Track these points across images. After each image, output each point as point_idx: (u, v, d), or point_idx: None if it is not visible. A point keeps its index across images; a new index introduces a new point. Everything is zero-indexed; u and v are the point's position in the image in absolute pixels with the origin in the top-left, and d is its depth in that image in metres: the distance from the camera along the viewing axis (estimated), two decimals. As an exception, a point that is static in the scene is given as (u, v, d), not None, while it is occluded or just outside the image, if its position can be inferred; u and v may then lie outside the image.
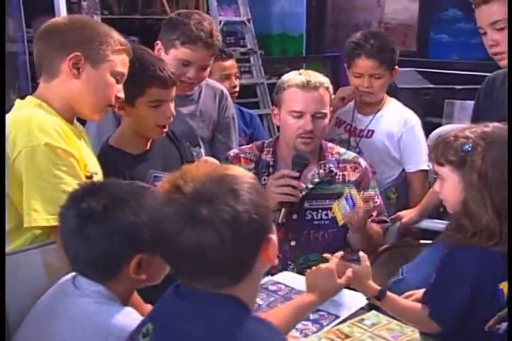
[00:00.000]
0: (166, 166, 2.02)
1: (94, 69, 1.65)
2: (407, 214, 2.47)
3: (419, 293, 1.81)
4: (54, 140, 1.54)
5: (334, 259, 1.60)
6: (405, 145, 2.57)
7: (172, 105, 1.96)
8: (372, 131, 2.58)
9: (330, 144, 2.32)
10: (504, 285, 1.51)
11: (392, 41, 2.59)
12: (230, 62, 2.87)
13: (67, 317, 1.29)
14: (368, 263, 1.63)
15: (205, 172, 1.07)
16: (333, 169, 2.21)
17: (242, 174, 1.10)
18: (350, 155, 2.29)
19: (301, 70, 2.22)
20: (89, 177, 1.62)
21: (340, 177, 2.22)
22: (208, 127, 2.46)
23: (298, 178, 2.10)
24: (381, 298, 1.61)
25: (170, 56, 2.25)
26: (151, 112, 1.91)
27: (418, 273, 1.92)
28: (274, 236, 1.11)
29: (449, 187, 1.58)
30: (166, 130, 1.99)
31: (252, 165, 2.24)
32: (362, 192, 2.04)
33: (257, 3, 5.69)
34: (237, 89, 2.88)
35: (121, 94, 1.72)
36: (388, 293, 1.61)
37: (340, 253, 1.60)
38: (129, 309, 1.32)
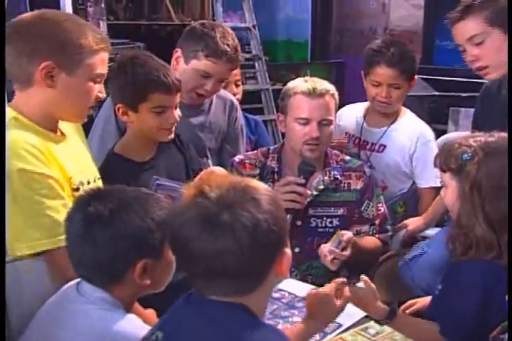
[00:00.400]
0: (171, 174, 2.02)
1: (70, 76, 1.54)
2: (413, 222, 2.45)
3: (421, 301, 1.81)
4: (28, 163, 1.45)
5: (332, 284, 1.55)
6: (418, 160, 2.50)
7: (176, 111, 1.95)
8: (384, 146, 2.52)
9: (335, 151, 2.31)
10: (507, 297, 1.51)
11: (412, 50, 2.52)
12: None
13: (70, 323, 1.29)
14: (371, 285, 1.61)
15: (229, 181, 1.11)
16: (338, 176, 2.21)
17: (263, 187, 1.14)
18: (356, 163, 2.29)
19: (307, 77, 2.21)
20: (77, 190, 1.58)
21: (346, 185, 2.22)
22: (217, 138, 2.44)
23: (304, 185, 2.09)
24: (392, 319, 1.60)
25: (190, 66, 2.24)
26: (154, 118, 1.90)
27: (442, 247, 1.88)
28: (289, 251, 1.13)
29: (449, 193, 1.59)
30: (172, 133, 1.97)
31: (257, 171, 2.24)
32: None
33: (263, 9, 5.69)
34: (238, 96, 2.80)
35: (102, 94, 1.64)
36: (397, 315, 1.60)
37: (339, 280, 1.57)
38: (132, 316, 1.32)
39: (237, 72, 2.82)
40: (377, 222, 2.22)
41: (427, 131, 2.55)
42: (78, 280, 1.37)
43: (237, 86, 2.81)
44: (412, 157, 2.51)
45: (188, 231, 1.06)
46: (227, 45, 2.21)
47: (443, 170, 1.60)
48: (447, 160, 1.57)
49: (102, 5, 4.23)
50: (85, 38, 1.54)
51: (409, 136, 2.51)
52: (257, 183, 1.14)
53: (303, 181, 2.08)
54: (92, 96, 1.61)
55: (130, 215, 1.29)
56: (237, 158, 2.29)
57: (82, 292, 1.33)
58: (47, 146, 1.53)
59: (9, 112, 1.56)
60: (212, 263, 1.05)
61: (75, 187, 1.58)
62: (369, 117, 2.58)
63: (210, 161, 2.40)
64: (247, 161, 2.27)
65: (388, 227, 2.27)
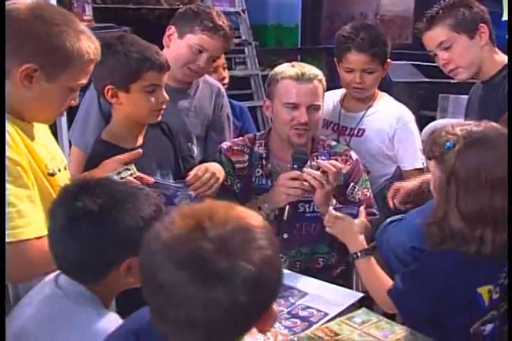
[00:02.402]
0: (160, 161, 2.00)
1: (50, 82, 1.46)
2: None
3: None
4: None
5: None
6: (400, 142, 2.48)
7: (164, 91, 1.93)
8: (363, 130, 2.50)
9: (321, 137, 2.30)
10: (483, 290, 1.50)
11: (383, 33, 2.51)
12: None
13: (45, 317, 1.26)
14: (363, 218, 1.79)
15: (235, 218, 0.96)
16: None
17: (265, 228, 0.99)
18: (342, 148, 2.28)
19: (294, 62, 2.20)
20: (52, 175, 1.52)
21: None
22: (202, 124, 2.40)
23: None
24: (363, 256, 1.69)
25: (184, 41, 2.23)
26: (146, 97, 1.87)
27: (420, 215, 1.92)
28: (275, 308, 1.01)
29: (433, 182, 1.58)
30: (160, 115, 1.95)
31: (246, 158, 2.23)
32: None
33: (253, -7, 5.64)
34: (226, 81, 2.79)
35: (75, 102, 1.56)
36: (371, 257, 1.69)
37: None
38: (108, 312, 1.29)
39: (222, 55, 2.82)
40: (363, 206, 2.19)
41: (405, 113, 2.54)
42: (57, 272, 1.34)
43: (224, 69, 2.80)
44: (393, 140, 2.50)
45: (175, 272, 0.91)
46: (223, 22, 2.23)
47: (429, 158, 1.58)
48: (433, 147, 1.55)
49: (88, -12, 4.17)
50: (79, 47, 1.46)
51: (387, 119, 2.50)
52: (259, 222, 0.99)
53: (299, 175, 2.04)
54: (65, 104, 1.54)
55: (120, 213, 1.25)
56: (224, 145, 2.27)
57: (59, 285, 1.30)
58: (19, 133, 1.47)
59: None
60: (195, 312, 0.91)
61: (51, 171, 1.53)
62: (346, 102, 2.57)
63: (194, 147, 2.36)
64: (235, 148, 2.25)
65: (375, 211, 2.25)
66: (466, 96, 2.45)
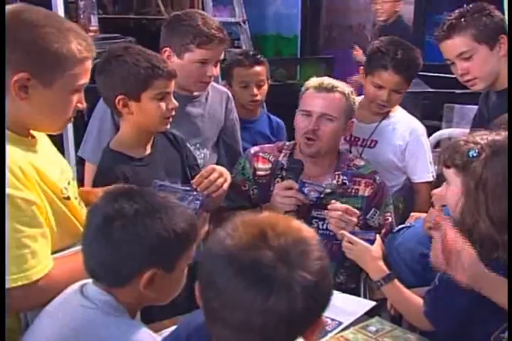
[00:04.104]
0: (168, 169, 2.01)
1: (48, 89, 1.37)
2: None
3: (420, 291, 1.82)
4: (13, 187, 1.31)
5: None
6: (411, 155, 2.51)
7: (173, 98, 1.95)
8: (376, 141, 2.52)
9: (351, 155, 2.30)
10: None
11: (418, 55, 2.50)
12: (256, 69, 2.72)
13: (71, 327, 1.25)
14: (360, 242, 1.79)
15: (295, 230, 0.99)
16: (346, 182, 2.17)
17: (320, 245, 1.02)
18: (368, 169, 2.24)
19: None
20: (68, 198, 1.49)
21: (353, 190, 2.18)
22: (217, 129, 2.44)
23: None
24: (387, 282, 1.68)
25: (186, 60, 2.24)
26: (157, 105, 1.89)
27: None
28: (324, 318, 1.03)
29: (452, 190, 1.58)
30: (169, 123, 1.96)
31: (269, 166, 2.23)
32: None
33: (252, 4, 5.67)
34: (257, 97, 2.72)
35: (82, 105, 1.49)
36: (395, 281, 1.68)
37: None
38: (136, 323, 1.29)
39: (261, 71, 2.74)
40: (383, 230, 2.16)
41: (418, 126, 2.57)
42: (81, 283, 1.33)
43: (259, 87, 2.73)
44: (405, 152, 2.52)
45: (235, 278, 0.93)
46: (212, 28, 2.22)
47: (447, 166, 1.59)
48: (452, 156, 1.56)
49: (93, -2, 4.19)
50: (69, 47, 1.38)
51: (400, 131, 2.52)
52: (313, 234, 1.02)
53: (296, 186, 2.05)
54: (71, 108, 1.47)
55: (154, 221, 1.25)
56: (252, 150, 2.29)
57: (86, 295, 1.29)
58: (29, 160, 1.40)
59: None
60: (252, 318, 0.93)
61: (66, 196, 1.49)
62: (360, 113, 2.53)
63: (207, 151, 2.39)
64: (261, 154, 2.26)
65: None
66: (470, 106, 2.47)
